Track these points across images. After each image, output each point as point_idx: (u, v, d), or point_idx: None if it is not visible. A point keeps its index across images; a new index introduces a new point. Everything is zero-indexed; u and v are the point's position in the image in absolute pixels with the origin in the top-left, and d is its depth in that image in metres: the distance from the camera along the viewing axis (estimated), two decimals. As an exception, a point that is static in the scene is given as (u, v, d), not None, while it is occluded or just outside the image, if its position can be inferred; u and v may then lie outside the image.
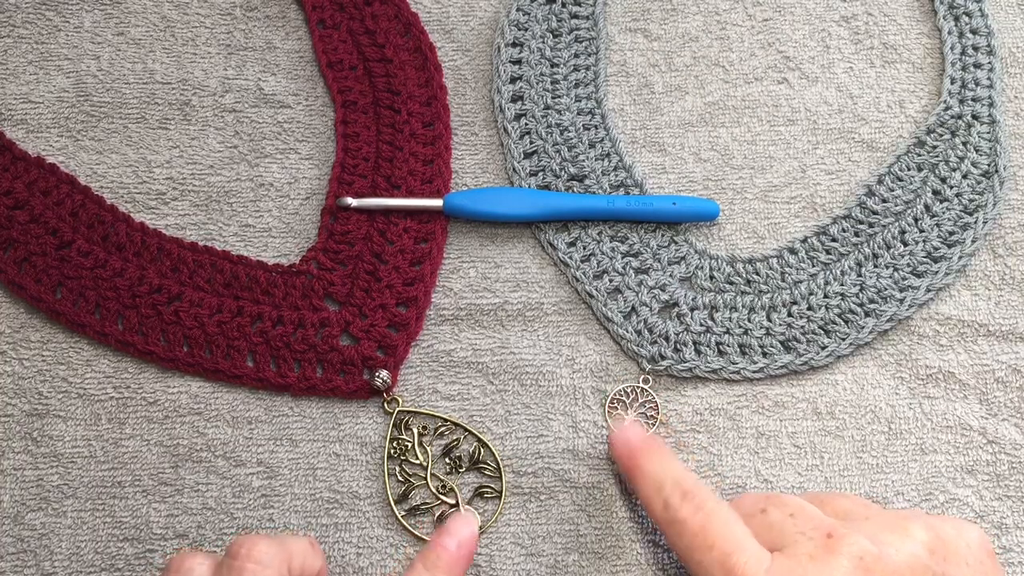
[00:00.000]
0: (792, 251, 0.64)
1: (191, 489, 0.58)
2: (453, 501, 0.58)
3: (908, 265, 0.63)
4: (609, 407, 0.60)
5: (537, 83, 0.68)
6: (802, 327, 0.61)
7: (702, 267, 0.63)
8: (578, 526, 0.58)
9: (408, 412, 0.60)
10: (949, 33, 0.69)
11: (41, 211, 0.63)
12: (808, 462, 0.59)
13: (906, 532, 0.49)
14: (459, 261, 0.64)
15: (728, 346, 0.61)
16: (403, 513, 0.58)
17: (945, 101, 0.67)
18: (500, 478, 0.59)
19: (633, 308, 0.62)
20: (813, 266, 0.63)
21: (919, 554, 0.48)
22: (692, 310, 0.62)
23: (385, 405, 0.60)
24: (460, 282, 0.63)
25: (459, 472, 0.59)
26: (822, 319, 0.61)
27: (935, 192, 0.64)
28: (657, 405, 0.60)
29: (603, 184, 0.65)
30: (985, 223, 0.63)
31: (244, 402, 0.60)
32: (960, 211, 0.64)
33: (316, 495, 0.58)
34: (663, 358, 0.61)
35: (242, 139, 0.67)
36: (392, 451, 0.59)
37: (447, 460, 0.59)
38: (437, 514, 0.58)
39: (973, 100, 0.67)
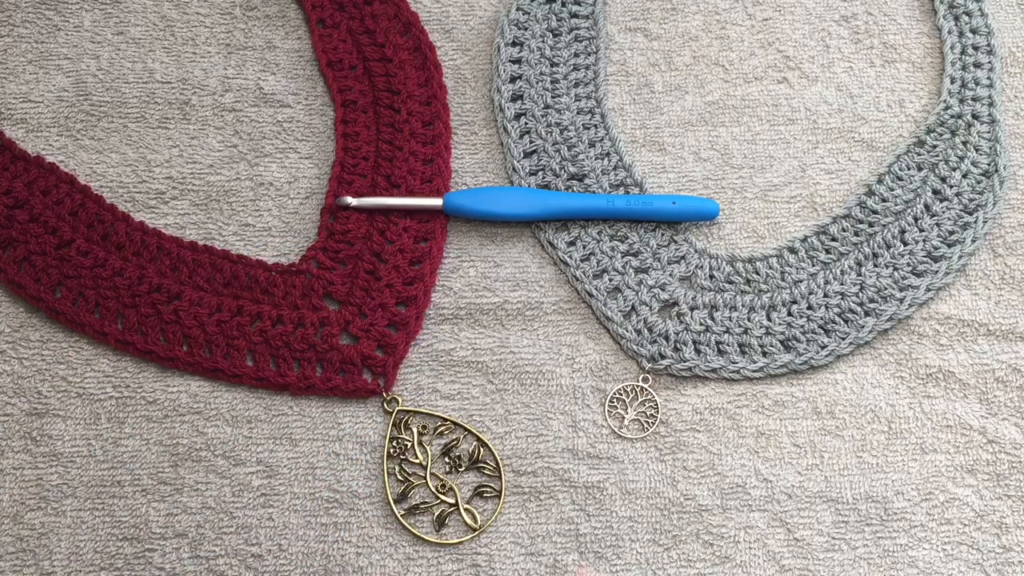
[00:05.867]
0: (792, 250, 0.64)
1: (190, 488, 0.58)
2: (452, 500, 0.58)
3: (908, 264, 0.63)
4: (609, 406, 0.60)
5: (537, 82, 0.68)
6: (802, 326, 0.61)
7: (702, 266, 0.63)
8: (578, 525, 0.58)
9: (408, 411, 0.60)
10: (949, 33, 0.69)
11: (41, 210, 0.63)
12: (808, 461, 0.59)
13: None
14: (459, 260, 0.64)
15: (728, 345, 0.61)
16: (402, 512, 0.58)
17: (945, 101, 0.67)
18: (500, 477, 0.59)
19: (633, 307, 0.62)
20: (813, 265, 0.63)
21: None
22: (692, 309, 0.62)
23: (385, 404, 0.60)
24: (460, 281, 0.63)
25: (459, 471, 0.59)
26: (822, 318, 0.61)
27: (935, 191, 0.64)
28: (657, 404, 0.60)
29: (603, 183, 0.65)
30: (985, 222, 0.63)
31: (244, 401, 0.60)
32: (960, 210, 0.64)
33: (316, 494, 0.58)
34: (663, 357, 0.61)
35: (242, 138, 0.67)
36: (392, 450, 0.59)
37: (447, 459, 0.59)
38: (436, 513, 0.58)
39: (973, 100, 0.67)
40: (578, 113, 0.67)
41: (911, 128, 0.67)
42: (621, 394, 0.60)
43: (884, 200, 0.64)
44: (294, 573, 0.57)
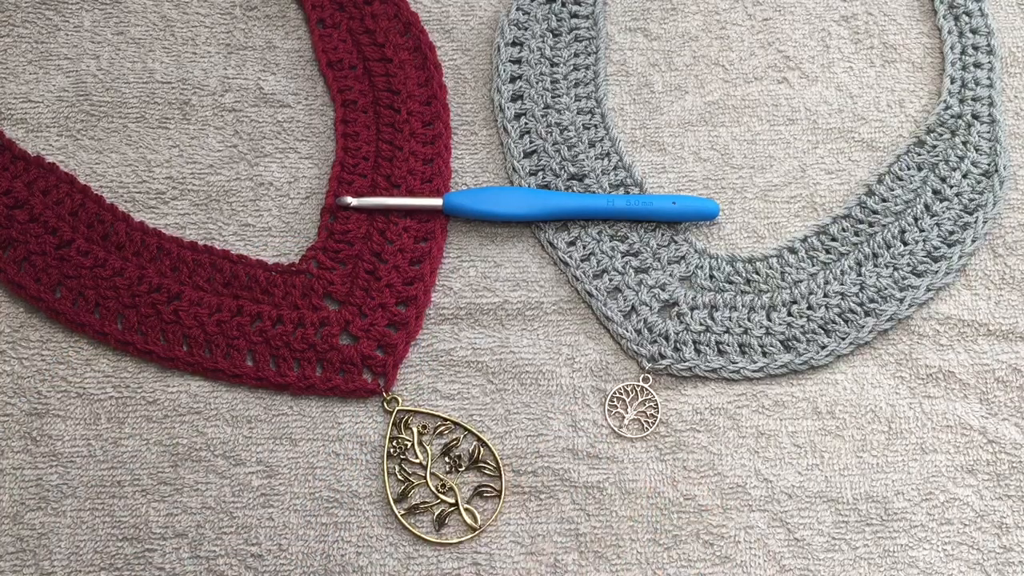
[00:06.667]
0: (792, 250, 0.64)
1: (190, 488, 0.58)
2: (452, 500, 0.58)
3: (908, 264, 0.63)
4: (609, 406, 0.60)
5: (537, 82, 0.68)
6: (802, 326, 0.61)
7: (702, 266, 0.63)
8: (577, 525, 0.58)
9: (408, 411, 0.60)
10: (949, 33, 0.69)
11: (41, 210, 0.63)
12: (808, 461, 0.59)
13: None
14: (459, 260, 0.64)
15: (728, 345, 0.61)
16: (402, 512, 0.58)
17: (945, 101, 0.67)
18: (500, 477, 0.59)
19: (633, 307, 0.62)
20: (813, 265, 0.63)
21: None
22: (692, 309, 0.62)
23: (385, 404, 0.60)
24: (460, 281, 0.63)
25: (459, 471, 0.59)
26: (822, 318, 0.61)
27: (935, 191, 0.64)
28: (657, 404, 0.60)
29: (603, 183, 0.65)
30: (985, 223, 0.63)
31: (244, 401, 0.60)
32: (960, 211, 0.64)
33: (316, 494, 0.58)
34: (663, 357, 0.61)
35: (242, 138, 0.67)
36: (392, 450, 0.59)
37: (447, 459, 0.59)
38: (436, 513, 0.58)
39: (973, 100, 0.67)
40: (578, 113, 0.67)
41: (911, 128, 0.67)
42: (621, 394, 0.60)
43: (884, 200, 0.64)
44: (294, 573, 0.57)
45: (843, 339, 0.61)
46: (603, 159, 0.66)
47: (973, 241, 0.63)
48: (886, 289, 0.62)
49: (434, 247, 0.63)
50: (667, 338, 0.61)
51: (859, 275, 0.62)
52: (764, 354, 0.61)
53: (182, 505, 0.58)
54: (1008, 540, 0.58)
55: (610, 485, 0.59)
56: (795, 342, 0.61)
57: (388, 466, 0.59)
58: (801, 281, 0.63)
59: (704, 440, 0.60)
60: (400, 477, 0.59)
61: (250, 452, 0.59)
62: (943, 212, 0.64)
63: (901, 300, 0.62)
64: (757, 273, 0.63)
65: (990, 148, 0.65)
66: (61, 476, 0.58)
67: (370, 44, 0.69)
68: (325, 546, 0.57)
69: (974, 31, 0.69)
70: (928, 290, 0.62)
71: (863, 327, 0.61)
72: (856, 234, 0.64)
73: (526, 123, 0.67)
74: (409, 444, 0.59)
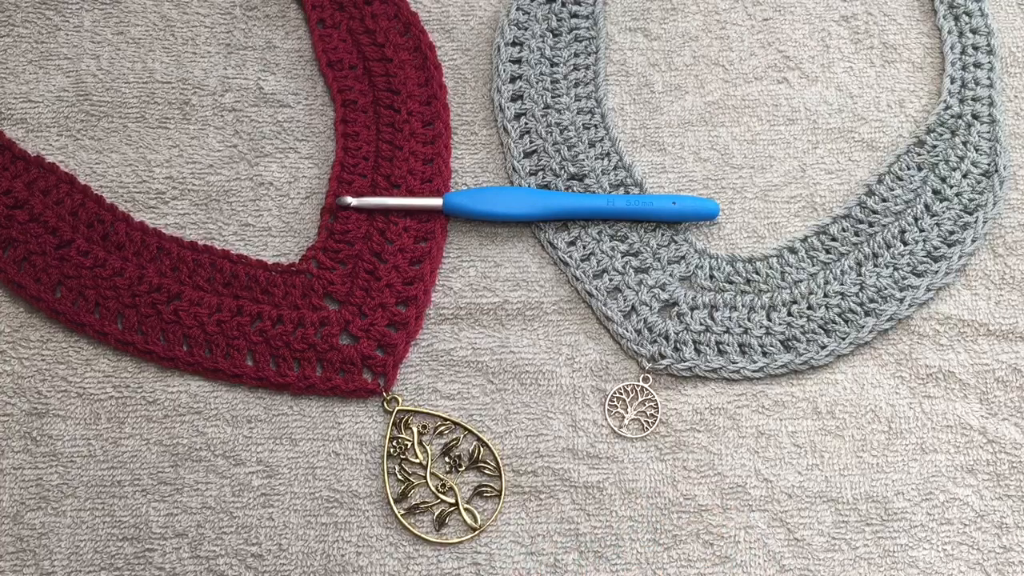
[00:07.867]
0: (792, 250, 0.64)
1: (191, 488, 0.58)
2: (452, 500, 0.58)
3: (908, 264, 0.63)
4: (609, 406, 0.60)
5: (537, 82, 0.68)
6: (802, 326, 0.61)
7: (702, 266, 0.63)
8: (577, 525, 0.58)
9: (408, 411, 0.60)
10: (949, 33, 0.69)
11: (41, 210, 0.63)
12: (808, 461, 0.59)
13: None
14: (459, 260, 0.64)
15: (728, 345, 0.61)
16: (402, 512, 0.58)
17: (945, 101, 0.67)
18: (500, 477, 0.59)
19: (633, 307, 0.62)
20: (813, 265, 0.63)
21: None
22: (692, 309, 0.62)
23: (385, 404, 0.60)
24: (460, 281, 0.63)
25: (459, 471, 0.59)
26: (822, 318, 0.61)
27: (935, 191, 0.64)
28: (657, 404, 0.60)
29: (603, 183, 0.65)
30: (985, 223, 0.63)
31: (244, 401, 0.60)
32: (960, 211, 0.64)
33: (316, 494, 0.58)
34: (663, 357, 0.61)
35: (242, 138, 0.67)
36: (392, 450, 0.59)
37: (447, 459, 0.59)
38: (436, 513, 0.58)
39: (973, 100, 0.67)
40: (578, 113, 0.67)
41: (911, 128, 0.67)
42: (621, 394, 0.60)
43: (884, 200, 0.64)
44: (294, 573, 0.57)
45: (843, 339, 0.61)
46: (603, 159, 0.66)
47: (973, 241, 0.63)
48: (886, 289, 0.62)
49: (434, 247, 0.63)
50: (667, 338, 0.61)
51: (859, 275, 0.62)
52: (764, 354, 0.61)
53: (182, 505, 0.58)
54: (1008, 540, 0.58)
55: (610, 485, 0.59)
56: (795, 342, 0.61)
57: (388, 466, 0.59)
58: (801, 281, 0.63)
59: (704, 440, 0.60)
60: (400, 477, 0.59)
61: (250, 452, 0.59)
62: (943, 212, 0.64)
63: (901, 300, 0.62)
64: (757, 273, 0.63)
65: (990, 148, 0.65)
66: (61, 476, 0.58)
67: (370, 44, 0.69)
68: (325, 546, 0.57)
69: (974, 31, 0.69)
70: (928, 290, 0.62)
71: (863, 327, 0.61)
72: (856, 234, 0.64)
73: (526, 123, 0.67)
74: (409, 444, 0.59)
